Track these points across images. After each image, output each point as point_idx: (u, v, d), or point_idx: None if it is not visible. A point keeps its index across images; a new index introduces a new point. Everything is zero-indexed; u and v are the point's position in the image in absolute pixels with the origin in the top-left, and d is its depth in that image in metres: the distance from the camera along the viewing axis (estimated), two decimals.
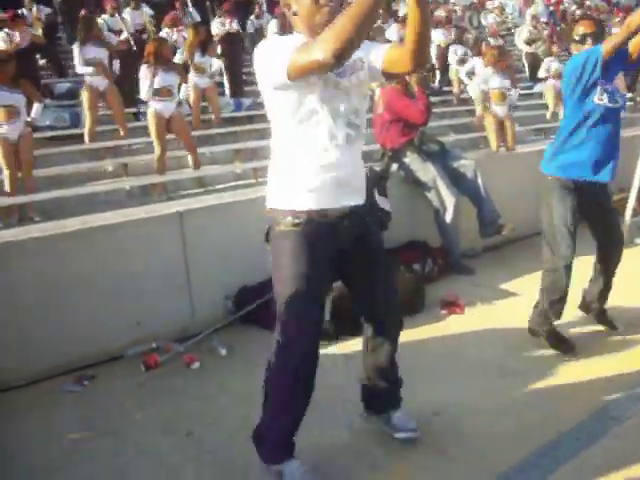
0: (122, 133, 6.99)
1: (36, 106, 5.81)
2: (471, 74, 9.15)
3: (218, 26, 8.82)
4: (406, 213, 4.79)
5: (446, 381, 3.11)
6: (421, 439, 2.61)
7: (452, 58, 10.24)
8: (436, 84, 10.51)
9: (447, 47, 10.37)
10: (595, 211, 3.36)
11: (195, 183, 6.73)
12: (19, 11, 7.83)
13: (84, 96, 6.75)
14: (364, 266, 2.34)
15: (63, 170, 6.35)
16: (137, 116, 7.72)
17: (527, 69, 11.94)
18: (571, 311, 3.73)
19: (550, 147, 3.31)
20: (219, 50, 8.65)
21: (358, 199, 2.24)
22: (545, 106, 10.88)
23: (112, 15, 8.28)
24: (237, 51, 9.17)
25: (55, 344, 3.32)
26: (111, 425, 2.87)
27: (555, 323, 3.38)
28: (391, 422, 2.61)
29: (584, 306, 3.74)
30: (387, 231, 4.43)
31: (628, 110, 10.71)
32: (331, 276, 2.36)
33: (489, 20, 14.07)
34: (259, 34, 10.20)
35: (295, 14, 2.06)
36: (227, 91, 8.81)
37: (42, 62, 8.38)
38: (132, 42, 7.81)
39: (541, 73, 10.65)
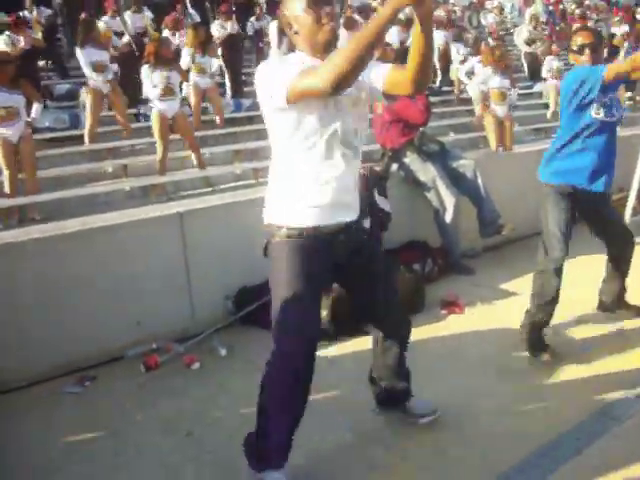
0: (126, 133, 7.03)
1: (36, 106, 5.82)
2: (470, 74, 9.15)
3: (218, 29, 8.82)
4: (406, 213, 4.79)
5: (446, 381, 3.11)
6: (421, 440, 2.61)
7: (455, 57, 10.22)
8: (437, 84, 10.52)
9: (448, 46, 10.37)
10: (594, 217, 3.38)
11: (195, 183, 6.75)
12: (20, 13, 7.84)
13: (87, 98, 6.78)
14: (362, 274, 2.38)
15: (63, 171, 6.37)
16: (137, 117, 7.74)
17: (526, 69, 11.94)
18: (572, 312, 3.75)
19: (546, 154, 3.33)
20: (219, 51, 8.66)
21: (353, 215, 2.28)
22: (544, 106, 10.90)
23: (113, 17, 8.29)
24: (237, 52, 9.19)
25: (55, 345, 3.32)
26: (111, 425, 2.88)
27: (545, 330, 3.37)
28: (410, 411, 2.70)
29: (602, 306, 3.75)
30: (387, 231, 4.45)
31: (628, 110, 10.72)
32: (328, 282, 2.42)
33: (488, 20, 14.09)
34: (259, 36, 10.20)
35: (296, 33, 2.10)
36: (228, 91, 8.82)
37: (41, 63, 8.39)
38: (133, 45, 7.83)
39: (544, 73, 10.66)
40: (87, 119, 6.81)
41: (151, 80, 6.22)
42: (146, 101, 7.70)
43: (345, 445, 2.64)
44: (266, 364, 2.24)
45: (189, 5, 10.01)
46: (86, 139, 6.80)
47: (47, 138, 6.78)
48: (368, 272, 2.39)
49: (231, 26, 8.86)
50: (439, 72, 10.51)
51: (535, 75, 11.60)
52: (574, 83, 3.02)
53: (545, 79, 10.94)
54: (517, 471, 2.44)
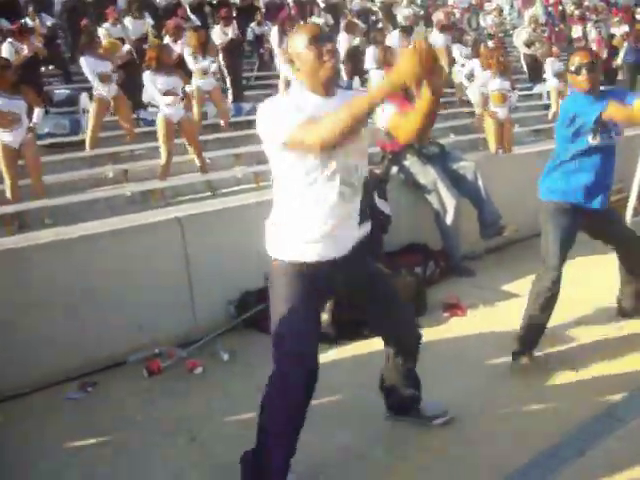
0: (129, 137, 7.07)
1: (37, 111, 5.84)
2: (470, 76, 9.16)
3: (220, 35, 8.83)
4: (406, 216, 4.79)
5: (448, 383, 3.11)
6: (422, 441, 2.61)
7: (458, 58, 10.22)
8: None
9: (449, 49, 10.38)
10: (596, 230, 3.37)
11: (196, 188, 6.76)
12: (22, 21, 7.87)
13: (92, 106, 6.83)
14: (364, 294, 2.43)
15: (63, 177, 6.38)
16: (137, 122, 7.76)
17: (526, 70, 11.95)
18: (572, 312, 3.74)
19: (544, 170, 3.32)
20: (220, 57, 8.69)
21: (349, 248, 2.31)
22: (544, 107, 10.91)
23: (114, 24, 8.32)
24: (238, 57, 9.21)
25: (58, 351, 3.32)
26: (114, 431, 2.88)
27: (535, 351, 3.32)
28: (422, 414, 2.73)
29: (622, 312, 3.74)
30: (387, 234, 4.44)
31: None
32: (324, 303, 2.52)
33: (488, 22, 14.10)
34: (260, 41, 10.23)
35: (299, 69, 2.14)
36: (229, 96, 8.84)
37: (42, 69, 8.40)
38: (134, 53, 7.87)
39: (548, 74, 10.67)
40: (89, 126, 6.85)
41: (155, 85, 6.25)
42: (146, 106, 7.75)
43: (345, 446, 2.65)
44: (266, 385, 2.24)
45: (189, 10, 10.04)
46: (87, 146, 6.83)
47: (47, 144, 6.80)
48: (371, 296, 2.44)
49: (232, 31, 8.88)
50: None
51: (535, 76, 11.61)
52: (570, 112, 3.06)
53: (545, 80, 10.96)
54: (520, 472, 2.44)
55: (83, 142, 6.89)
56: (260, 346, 3.48)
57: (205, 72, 7.61)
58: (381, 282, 2.49)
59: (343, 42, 9.79)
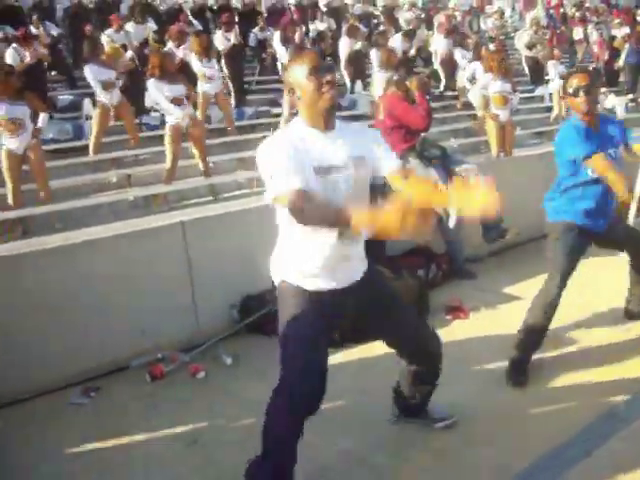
0: (133, 142, 7.10)
1: (42, 116, 5.86)
2: (472, 79, 9.16)
3: (222, 40, 8.85)
4: None
5: (451, 385, 3.08)
6: (422, 441, 2.61)
7: (461, 62, 10.22)
8: (441, 88, 10.53)
9: (452, 53, 10.39)
10: (603, 243, 3.37)
11: (199, 192, 6.77)
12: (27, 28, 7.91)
13: (95, 113, 6.86)
14: (379, 315, 2.41)
15: (67, 182, 6.39)
16: (140, 127, 7.78)
17: (528, 73, 11.95)
18: (581, 315, 3.74)
19: (549, 193, 3.32)
20: (223, 62, 8.72)
21: (358, 275, 2.31)
22: (546, 109, 10.90)
23: (117, 31, 8.35)
24: (240, 62, 9.23)
25: (61, 356, 3.33)
26: (117, 436, 2.88)
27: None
28: (429, 416, 2.78)
29: (629, 314, 3.74)
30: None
31: (629, 111, 10.72)
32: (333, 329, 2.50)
33: (489, 24, 14.11)
34: (262, 47, 10.25)
35: (299, 98, 2.15)
36: (232, 101, 8.86)
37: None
38: (136, 60, 7.90)
39: (551, 76, 10.68)
40: (93, 132, 6.88)
41: (162, 92, 6.28)
42: (148, 110, 7.77)
43: (346, 449, 2.65)
44: (270, 398, 2.22)
45: (190, 15, 10.07)
46: (91, 151, 6.86)
47: (51, 149, 6.83)
48: (384, 310, 2.40)
49: (234, 37, 8.91)
50: (443, 78, 10.53)
51: (536, 79, 11.60)
52: (565, 145, 3.09)
53: (547, 82, 10.95)
54: (526, 473, 2.44)
55: (86, 147, 6.91)
56: (263, 350, 3.49)
57: (211, 77, 7.63)
58: (396, 299, 2.48)
59: (345, 46, 9.81)
